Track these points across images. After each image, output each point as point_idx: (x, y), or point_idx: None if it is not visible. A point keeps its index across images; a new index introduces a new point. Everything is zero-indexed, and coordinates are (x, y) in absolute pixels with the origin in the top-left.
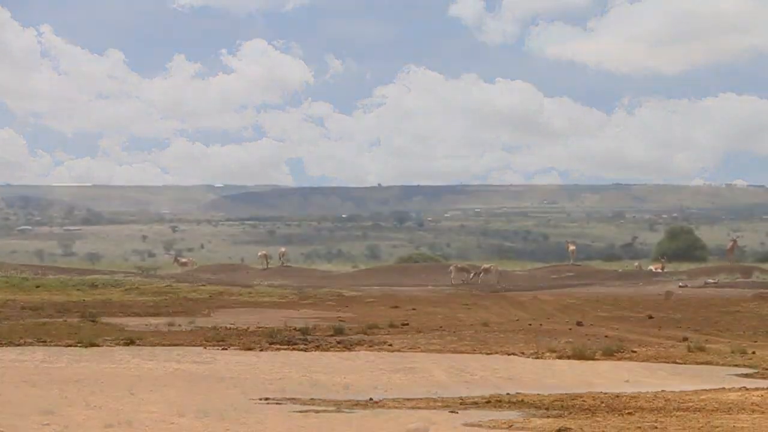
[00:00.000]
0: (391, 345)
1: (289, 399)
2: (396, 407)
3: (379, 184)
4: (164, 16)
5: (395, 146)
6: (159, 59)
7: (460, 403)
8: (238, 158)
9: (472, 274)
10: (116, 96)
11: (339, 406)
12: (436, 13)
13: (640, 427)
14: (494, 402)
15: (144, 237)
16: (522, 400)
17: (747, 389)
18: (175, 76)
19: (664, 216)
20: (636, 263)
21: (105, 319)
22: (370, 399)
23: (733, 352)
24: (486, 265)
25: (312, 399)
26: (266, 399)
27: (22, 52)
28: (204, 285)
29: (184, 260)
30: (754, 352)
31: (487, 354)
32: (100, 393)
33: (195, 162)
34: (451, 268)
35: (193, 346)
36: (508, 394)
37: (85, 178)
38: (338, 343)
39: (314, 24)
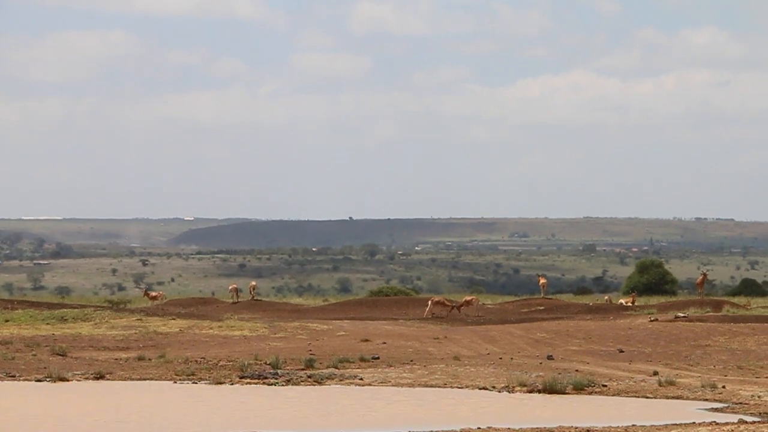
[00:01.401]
0: (362, 379)
1: None
2: None
3: (350, 218)
4: None
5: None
6: None
7: None
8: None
9: (451, 307)
10: None
11: None
12: None
13: None
14: None
15: (114, 270)
16: None
17: (717, 424)
18: None
19: (635, 249)
20: (606, 297)
21: (75, 354)
22: None
23: (703, 387)
24: (468, 297)
25: None
26: None
27: None
28: (174, 319)
29: (154, 294)
30: (724, 387)
31: (459, 388)
32: None
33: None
34: (429, 302)
35: (163, 380)
36: (479, 428)
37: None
38: (309, 377)
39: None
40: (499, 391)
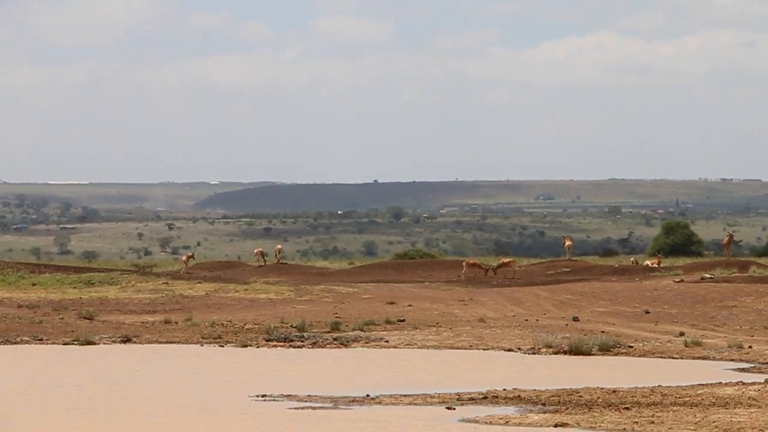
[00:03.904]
0: (387, 341)
1: (286, 396)
2: (393, 403)
3: (375, 181)
4: None
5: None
6: None
7: (457, 399)
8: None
9: (487, 269)
10: None
11: (336, 402)
12: None
13: (637, 422)
14: (491, 398)
15: (140, 234)
16: (519, 396)
17: (744, 384)
18: None
19: (660, 211)
20: (632, 258)
21: (102, 317)
22: (367, 395)
23: (729, 347)
24: (505, 259)
25: (309, 395)
26: (263, 396)
27: None
28: (200, 282)
29: (189, 254)
30: (750, 347)
31: (484, 350)
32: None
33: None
34: (464, 263)
35: (190, 343)
36: (504, 389)
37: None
38: (334, 339)
39: None
40: (525, 353)
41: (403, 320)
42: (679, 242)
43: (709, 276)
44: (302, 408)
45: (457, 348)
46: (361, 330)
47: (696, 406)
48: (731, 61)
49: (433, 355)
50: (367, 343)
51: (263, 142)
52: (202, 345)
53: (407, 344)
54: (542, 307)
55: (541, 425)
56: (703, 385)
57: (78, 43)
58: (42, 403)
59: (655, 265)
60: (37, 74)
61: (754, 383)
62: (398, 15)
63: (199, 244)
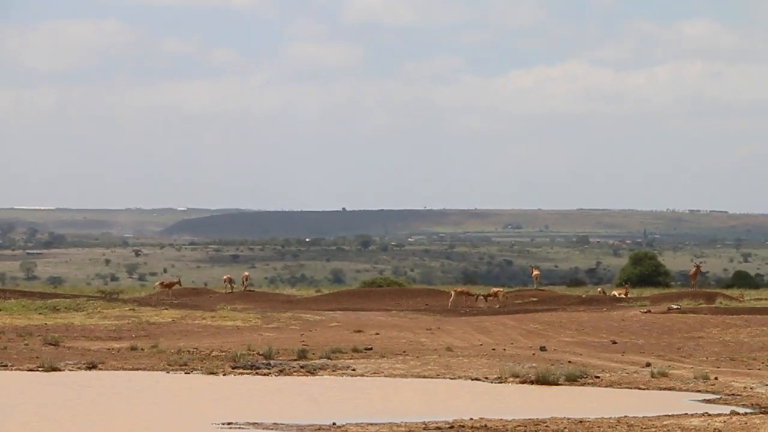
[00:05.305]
0: (354, 370)
1: (252, 423)
2: None
3: (344, 208)
4: None
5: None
6: None
7: (424, 428)
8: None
9: (476, 297)
10: None
11: (302, 430)
12: None
13: None
14: (457, 427)
15: (107, 260)
16: (485, 425)
17: (709, 415)
18: None
19: (628, 241)
20: (599, 288)
21: (67, 343)
22: (334, 423)
23: (696, 378)
24: (495, 289)
25: (275, 423)
26: (229, 423)
27: None
28: (167, 309)
29: (170, 281)
30: (716, 378)
31: (451, 379)
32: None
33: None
34: (452, 292)
35: (156, 370)
36: (471, 419)
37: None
38: (301, 367)
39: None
40: (492, 382)
41: (371, 348)
42: (646, 273)
43: (676, 307)
44: None
45: (424, 377)
46: (328, 358)
47: None
48: (700, 91)
49: (400, 384)
50: (334, 371)
51: (231, 168)
52: (168, 372)
53: (374, 373)
54: (509, 337)
55: None
56: (669, 415)
57: (45, 67)
58: (3, 428)
59: (623, 296)
60: (4, 97)
61: (719, 414)
62: (368, 41)
63: (165, 270)
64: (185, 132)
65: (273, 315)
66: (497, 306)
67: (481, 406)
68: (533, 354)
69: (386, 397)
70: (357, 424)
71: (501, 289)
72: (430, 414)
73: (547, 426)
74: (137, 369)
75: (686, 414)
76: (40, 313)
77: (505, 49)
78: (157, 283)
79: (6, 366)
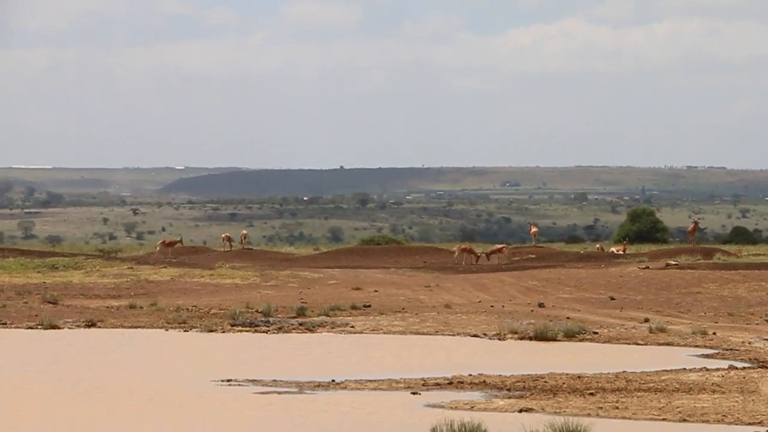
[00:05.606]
0: (353, 327)
1: (251, 381)
2: (358, 388)
3: (342, 167)
4: None
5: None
6: None
7: (423, 384)
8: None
9: (478, 256)
10: None
11: (301, 387)
12: None
13: (601, 408)
14: (456, 383)
15: (105, 219)
16: (484, 381)
17: (707, 370)
18: None
19: (626, 198)
20: (597, 245)
21: (66, 302)
22: (333, 380)
23: (694, 333)
24: (498, 246)
25: (274, 380)
26: (228, 380)
27: None
28: (165, 267)
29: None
30: (714, 333)
31: (450, 335)
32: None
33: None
34: (455, 248)
35: (155, 328)
36: (470, 375)
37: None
38: (300, 324)
39: None
40: (491, 339)
41: (369, 306)
42: (644, 229)
43: (674, 263)
44: (267, 393)
45: (423, 333)
46: (327, 315)
47: (660, 391)
48: (697, 49)
49: (398, 341)
50: (332, 328)
51: (229, 127)
52: (167, 330)
53: (373, 330)
54: (508, 293)
55: (506, 410)
56: (667, 371)
57: (43, 27)
58: (2, 387)
59: (621, 252)
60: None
61: (717, 369)
62: (366, 0)
63: (164, 229)
64: (183, 91)
65: (271, 273)
66: (504, 262)
67: (480, 363)
68: (532, 310)
69: (385, 353)
70: (356, 381)
71: (504, 245)
72: (429, 370)
73: (545, 381)
74: (136, 327)
75: (684, 369)
76: (38, 272)
77: (503, 7)
78: (159, 243)
79: (5, 324)
